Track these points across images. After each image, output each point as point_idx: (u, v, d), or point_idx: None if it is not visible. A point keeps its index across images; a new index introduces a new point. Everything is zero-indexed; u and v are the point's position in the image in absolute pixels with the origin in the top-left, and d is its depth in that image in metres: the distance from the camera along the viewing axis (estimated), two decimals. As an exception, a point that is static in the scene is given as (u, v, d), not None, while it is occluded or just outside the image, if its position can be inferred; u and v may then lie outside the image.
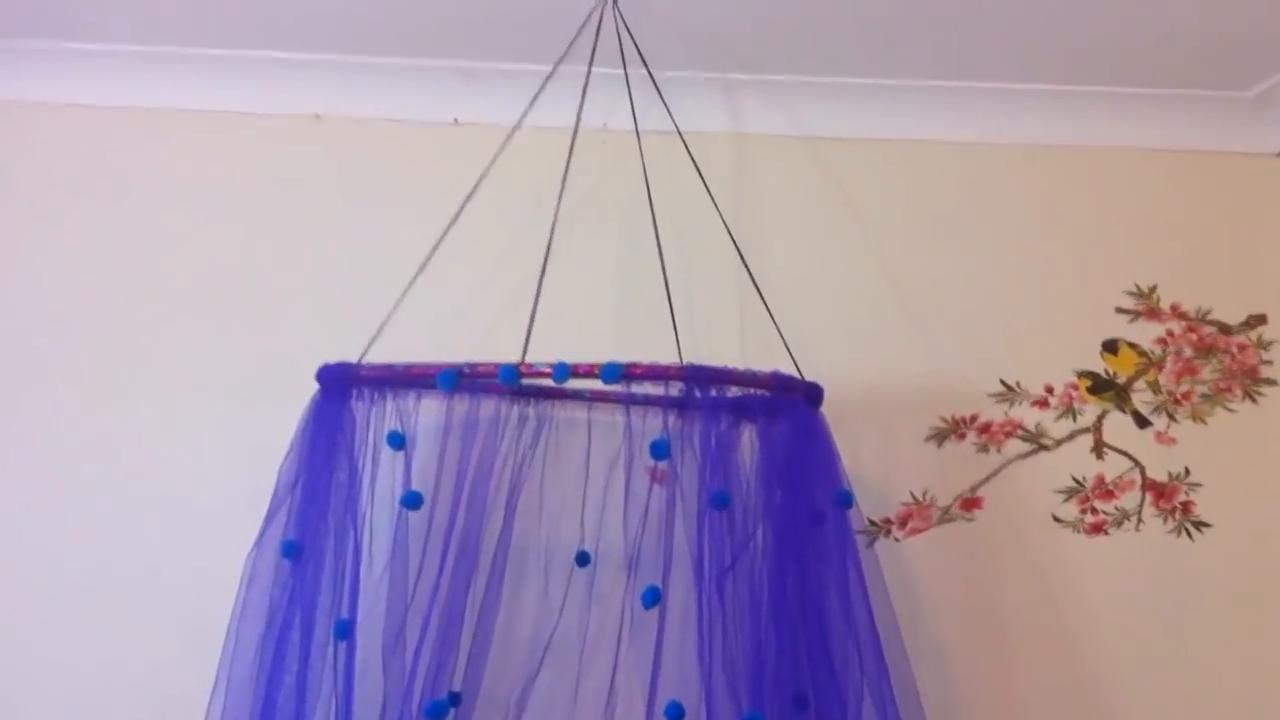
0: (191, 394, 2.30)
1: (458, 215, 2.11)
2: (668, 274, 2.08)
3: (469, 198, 2.12)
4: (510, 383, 1.88)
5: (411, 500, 1.93)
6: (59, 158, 2.40)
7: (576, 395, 2.14)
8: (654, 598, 1.85)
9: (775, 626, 1.89)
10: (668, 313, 2.10)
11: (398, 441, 1.96)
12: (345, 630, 1.88)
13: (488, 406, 2.01)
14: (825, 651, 1.92)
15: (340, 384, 1.97)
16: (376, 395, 1.99)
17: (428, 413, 2.02)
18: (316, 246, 2.37)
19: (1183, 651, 2.26)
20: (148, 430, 2.29)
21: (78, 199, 2.38)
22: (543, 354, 1.88)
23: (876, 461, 2.24)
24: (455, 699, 1.87)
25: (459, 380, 1.89)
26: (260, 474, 1.96)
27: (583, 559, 2.14)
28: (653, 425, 1.95)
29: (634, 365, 1.86)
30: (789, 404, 2.01)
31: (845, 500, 1.99)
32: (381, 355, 2.01)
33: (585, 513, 2.14)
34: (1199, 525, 2.28)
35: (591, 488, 2.14)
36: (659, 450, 1.88)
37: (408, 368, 1.94)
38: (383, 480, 1.98)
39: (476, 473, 1.96)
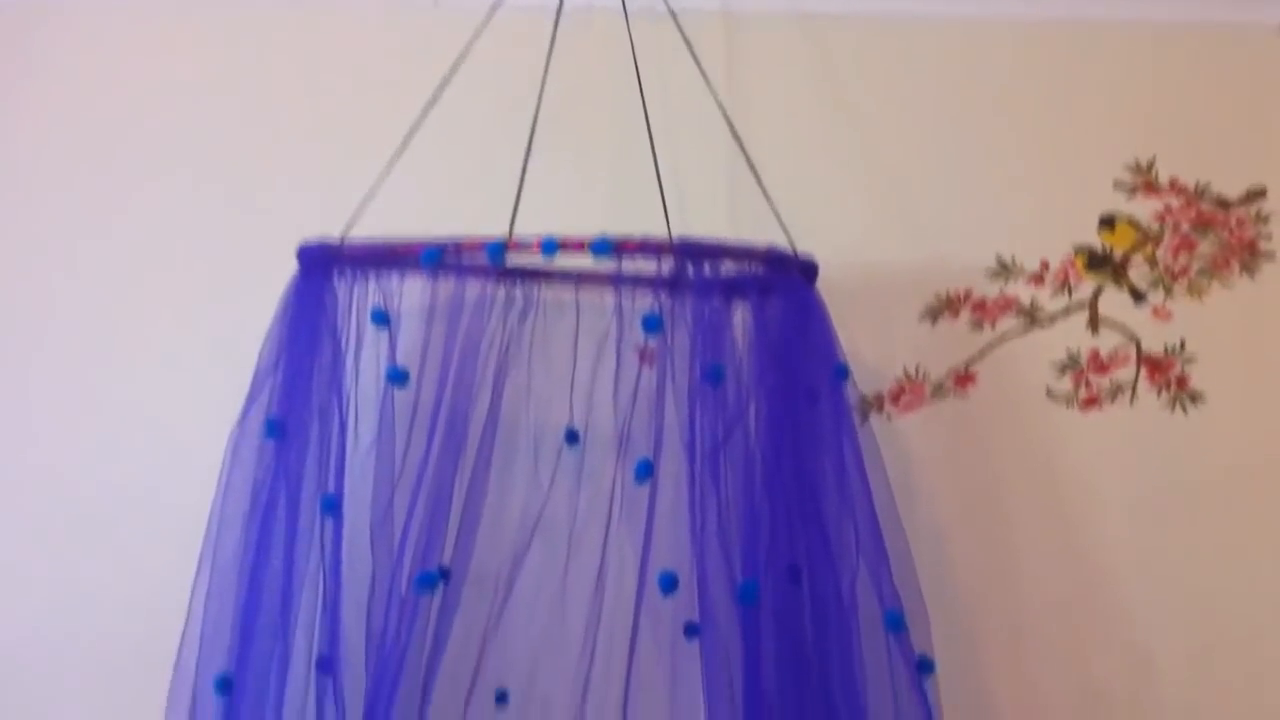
0: (169, 280, 2.25)
1: (437, 95, 2.06)
2: (658, 155, 2.04)
3: (448, 78, 2.06)
4: (497, 259, 1.84)
5: (397, 376, 1.90)
6: (31, 48, 2.32)
7: (564, 276, 2.10)
8: (646, 471, 1.83)
9: (769, 500, 1.88)
10: (658, 194, 2.07)
11: (381, 318, 1.93)
12: (332, 505, 1.86)
13: (473, 288, 1.97)
14: (820, 525, 1.91)
15: (321, 263, 1.93)
16: (359, 275, 1.95)
17: (411, 294, 1.98)
18: (296, 129, 2.30)
19: (1177, 523, 2.26)
20: (127, 320, 2.25)
21: (51, 86, 2.32)
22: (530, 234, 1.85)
23: (869, 339, 2.20)
24: (444, 575, 1.86)
25: (443, 257, 1.85)
26: (243, 358, 1.93)
27: (572, 438, 2.12)
28: (642, 305, 1.93)
29: (625, 239, 1.83)
30: (783, 280, 1.98)
31: (841, 374, 1.96)
32: (364, 236, 1.96)
33: (574, 393, 2.11)
34: (1194, 398, 2.27)
35: (580, 368, 2.11)
36: (651, 324, 1.85)
37: (391, 245, 1.90)
38: (367, 358, 1.95)
39: (463, 354, 1.93)
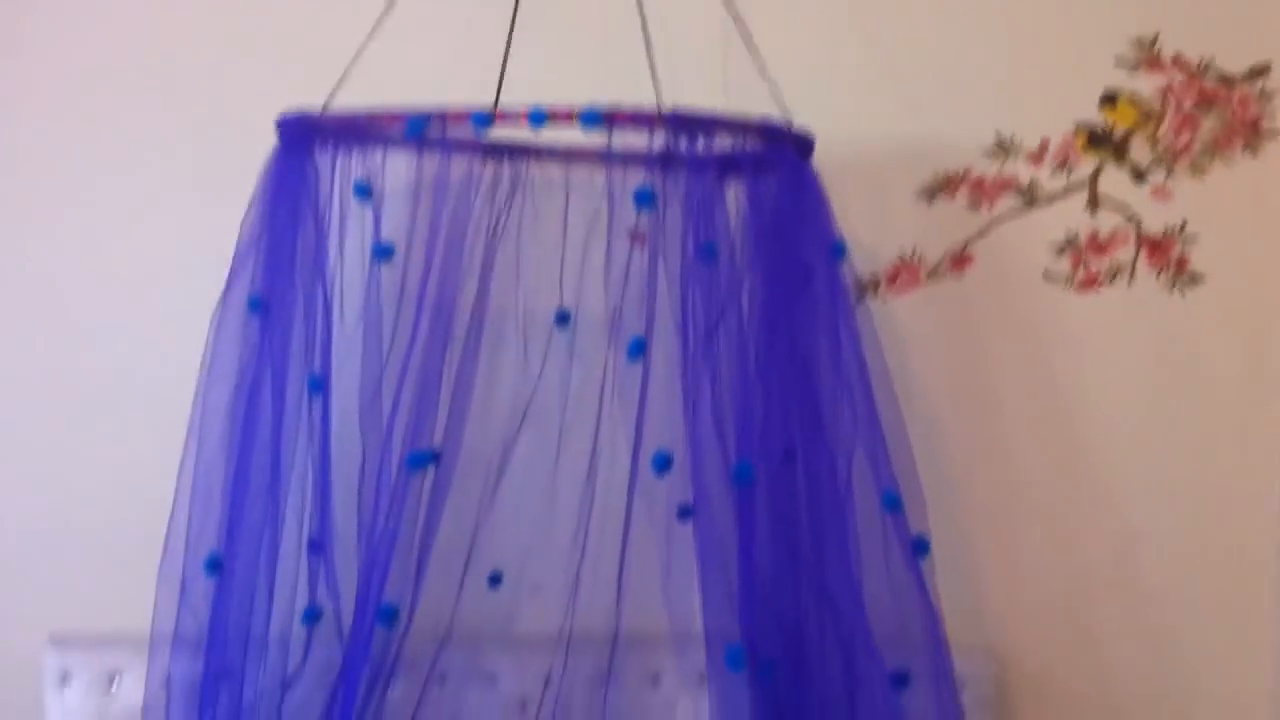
0: (151, 156, 2.19)
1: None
2: (648, 25, 1.96)
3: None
4: (483, 128, 1.78)
5: (382, 252, 1.87)
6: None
7: (552, 154, 2.04)
8: (639, 350, 1.80)
9: (763, 380, 1.86)
10: (648, 68, 2.00)
11: (364, 192, 1.88)
12: (318, 385, 1.84)
13: (459, 166, 1.92)
14: (815, 405, 1.89)
15: (302, 136, 1.87)
16: (341, 148, 1.88)
17: (396, 173, 1.92)
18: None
19: (1171, 405, 2.25)
20: (106, 191, 2.19)
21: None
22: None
23: (864, 219, 2.15)
24: (435, 458, 1.83)
25: (428, 128, 1.79)
26: (226, 234, 1.87)
27: (562, 319, 2.09)
28: (633, 183, 1.87)
29: (616, 110, 1.77)
30: (778, 155, 1.93)
31: (838, 252, 1.92)
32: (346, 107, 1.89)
33: (564, 274, 2.08)
34: (1193, 280, 2.24)
35: (570, 249, 2.07)
36: (643, 199, 1.80)
37: (373, 115, 1.82)
38: (351, 235, 1.90)
39: (449, 235, 1.89)
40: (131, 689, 2.01)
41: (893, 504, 1.87)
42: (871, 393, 1.90)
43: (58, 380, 2.20)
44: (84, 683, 2.08)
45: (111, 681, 2.08)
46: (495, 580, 2.08)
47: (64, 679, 2.09)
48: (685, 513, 1.86)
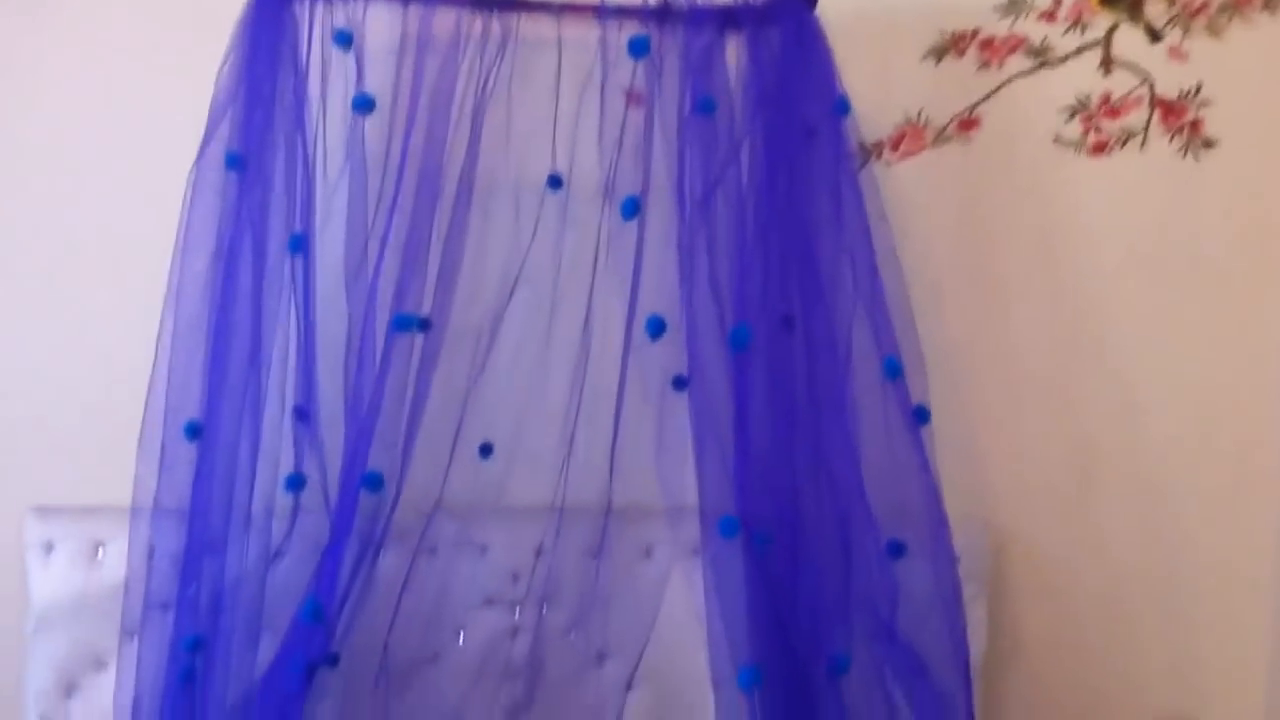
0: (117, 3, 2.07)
1: None
2: None
3: None
4: (470, -28, 1.70)
5: (363, 104, 1.79)
6: None
7: (544, 7, 1.95)
8: (633, 209, 1.75)
9: (762, 243, 1.81)
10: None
11: (346, 40, 1.80)
12: (300, 245, 1.77)
13: (445, 20, 1.84)
14: (815, 271, 1.84)
15: (280, -20, 1.78)
16: (320, -1, 1.81)
17: (379, 27, 1.84)
18: None
19: (1180, 273, 2.20)
20: (74, 46, 2.06)
21: None
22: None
23: (869, 80, 2.05)
24: (423, 324, 1.78)
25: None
26: (201, 86, 1.79)
27: (555, 182, 2.00)
28: (628, 38, 1.81)
29: (609, -46, 1.69)
30: (782, 5, 1.85)
31: (841, 108, 1.85)
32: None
33: (557, 135, 1.99)
34: (1206, 144, 2.17)
35: (563, 109, 1.98)
36: (638, 47, 1.74)
37: (354, -46, 1.75)
38: (334, 88, 1.82)
39: (436, 93, 1.82)
40: (117, 559, 1.95)
41: (894, 371, 1.83)
42: (874, 256, 1.84)
43: (32, 248, 2.10)
44: (68, 553, 2.03)
45: (96, 551, 2.04)
46: (486, 450, 2.03)
47: (48, 548, 2.04)
48: (680, 383, 1.83)
